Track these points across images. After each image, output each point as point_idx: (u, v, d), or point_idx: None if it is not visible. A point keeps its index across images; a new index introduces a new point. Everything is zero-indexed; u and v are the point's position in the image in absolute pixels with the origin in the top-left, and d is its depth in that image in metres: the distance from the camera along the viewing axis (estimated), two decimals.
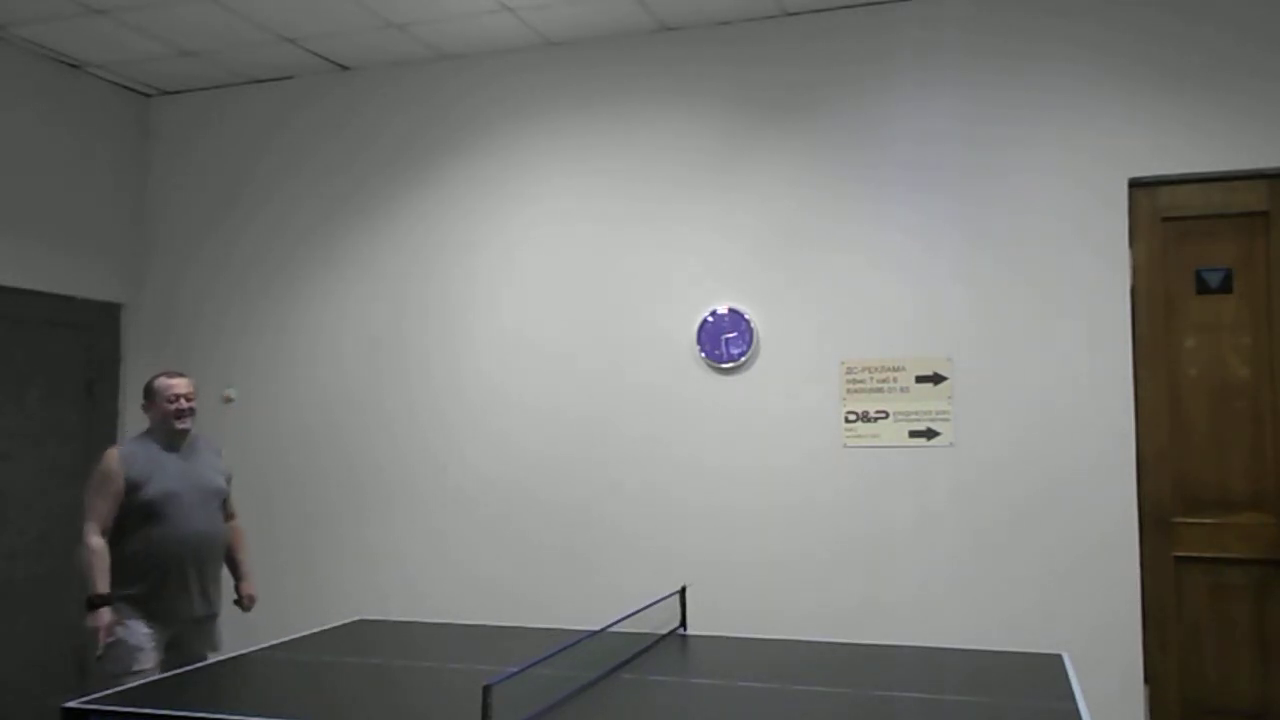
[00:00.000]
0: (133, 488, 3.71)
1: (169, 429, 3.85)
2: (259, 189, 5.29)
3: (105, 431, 5.23)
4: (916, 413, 4.26)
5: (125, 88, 5.38)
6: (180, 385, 3.89)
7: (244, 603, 4.09)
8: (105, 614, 3.64)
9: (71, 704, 2.61)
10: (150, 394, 3.89)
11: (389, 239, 5.04)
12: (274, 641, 3.43)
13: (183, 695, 2.68)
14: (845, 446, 4.34)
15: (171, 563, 3.75)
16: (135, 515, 3.72)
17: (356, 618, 4.15)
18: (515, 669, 2.45)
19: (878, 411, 4.31)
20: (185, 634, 3.83)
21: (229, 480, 4.03)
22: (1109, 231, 4.11)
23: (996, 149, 4.24)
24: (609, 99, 4.75)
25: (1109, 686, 3.96)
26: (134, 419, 5.34)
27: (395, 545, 4.93)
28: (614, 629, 3.32)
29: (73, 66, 5.08)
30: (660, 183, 4.65)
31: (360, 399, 5.03)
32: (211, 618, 3.93)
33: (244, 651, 3.25)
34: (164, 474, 3.77)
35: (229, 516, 4.06)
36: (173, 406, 3.84)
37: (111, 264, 5.30)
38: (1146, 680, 4.01)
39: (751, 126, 4.54)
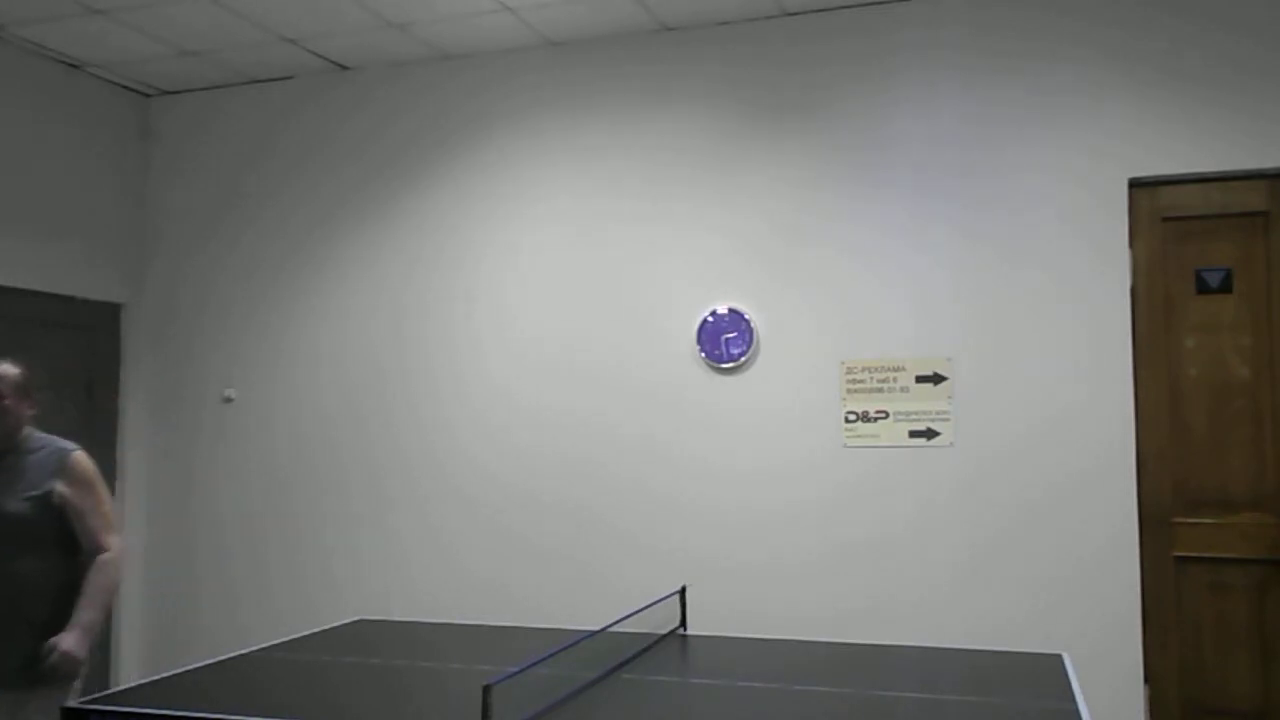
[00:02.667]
0: None
1: None
2: (259, 189, 5.29)
3: (105, 432, 5.23)
4: (916, 413, 4.26)
5: (125, 88, 5.38)
6: None
7: (47, 655, 2.99)
8: None
9: (71, 704, 2.61)
10: None
11: (389, 238, 5.04)
12: (273, 642, 3.42)
13: (183, 695, 2.68)
14: (845, 446, 4.34)
15: None
16: None
17: (356, 618, 4.15)
18: (515, 669, 2.45)
19: (878, 411, 4.31)
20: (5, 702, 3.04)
21: (60, 499, 3.08)
22: (1109, 231, 4.11)
23: (996, 149, 4.24)
24: (609, 99, 4.75)
25: (1109, 686, 3.96)
26: (134, 420, 5.35)
27: (396, 544, 4.93)
28: (614, 629, 3.32)
29: (73, 66, 5.08)
30: (660, 182, 4.65)
31: (361, 399, 5.03)
32: (25, 683, 3.02)
33: (244, 651, 3.25)
34: None
35: (91, 548, 3.12)
36: None
37: (111, 264, 5.30)
38: (1146, 680, 4.01)
39: (752, 126, 4.54)
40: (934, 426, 4.24)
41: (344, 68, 5.15)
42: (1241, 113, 3.99)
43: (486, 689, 2.24)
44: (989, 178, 4.24)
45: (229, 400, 5.26)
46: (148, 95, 5.50)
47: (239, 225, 5.32)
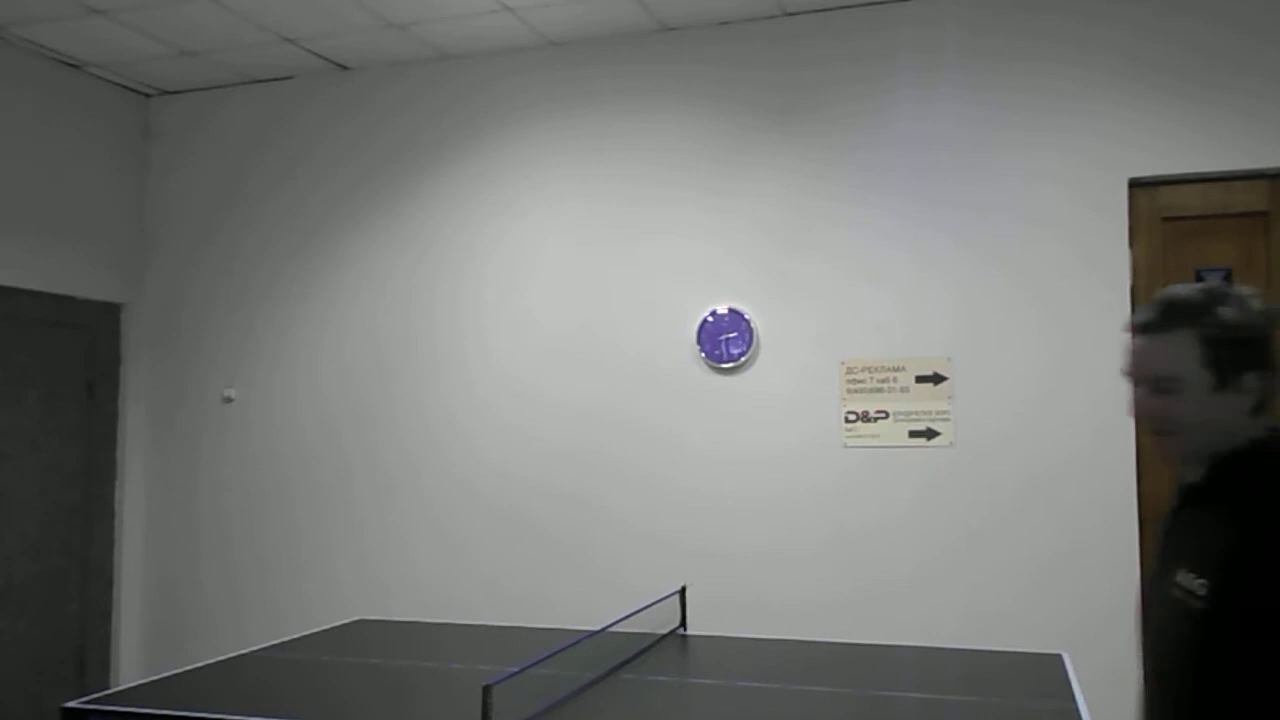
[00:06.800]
0: None
1: None
2: (259, 189, 5.29)
3: (105, 432, 5.23)
4: (916, 413, 4.26)
5: (125, 88, 5.38)
6: None
7: None
8: None
9: (71, 704, 2.61)
10: None
11: (389, 238, 5.05)
12: (273, 642, 3.43)
13: (183, 695, 2.69)
14: (845, 446, 4.34)
15: None
16: None
17: (357, 618, 4.15)
18: (515, 669, 2.45)
19: (878, 411, 4.31)
20: None
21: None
22: (1109, 231, 4.11)
23: (996, 149, 4.24)
24: (609, 99, 4.75)
25: (1109, 686, 3.96)
26: (135, 420, 5.35)
27: (397, 542, 4.93)
28: (614, 629, 3.33)
29: (73, 66, 5.08)
30: (661, 182, 4.65)
31: (362, 399, 5.03)
32: None
33: (243, 651, 3.25)
34: None
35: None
36: None
37: (111, 264, 5.31)
38: None
39: (752, 126, 4.54)
40: (934, 426, 4.24)
41: (344, 68, 5.15)
42: (1241, 113, 3.99)
43: (486, 689, 2.24)
44: (988, 178, 4.24)
45: (229, 400, 5.26)
46: (148, 95, 5.50)
47: (239, 225, 5.32)
